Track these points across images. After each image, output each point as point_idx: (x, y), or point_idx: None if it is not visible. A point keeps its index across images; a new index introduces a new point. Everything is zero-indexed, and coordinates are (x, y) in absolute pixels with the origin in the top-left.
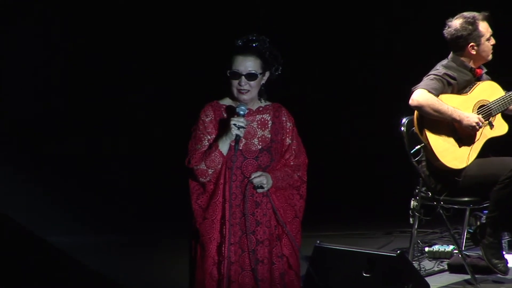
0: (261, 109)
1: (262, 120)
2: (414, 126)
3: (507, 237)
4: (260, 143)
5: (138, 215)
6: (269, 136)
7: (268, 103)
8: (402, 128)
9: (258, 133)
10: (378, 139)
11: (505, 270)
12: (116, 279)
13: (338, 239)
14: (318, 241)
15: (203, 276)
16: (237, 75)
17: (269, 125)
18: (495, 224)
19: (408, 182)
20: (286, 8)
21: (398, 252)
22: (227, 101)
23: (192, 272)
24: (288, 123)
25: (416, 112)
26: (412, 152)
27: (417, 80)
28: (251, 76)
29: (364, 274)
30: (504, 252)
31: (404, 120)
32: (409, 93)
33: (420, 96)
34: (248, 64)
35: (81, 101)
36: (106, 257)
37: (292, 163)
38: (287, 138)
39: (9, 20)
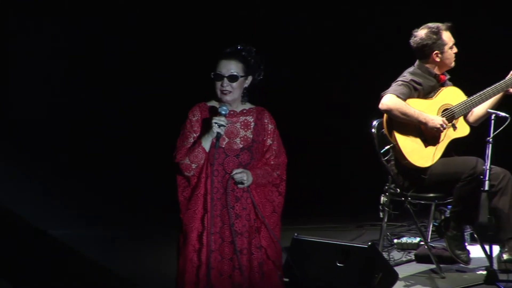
0: (244, 111)
1: (245, 121)
2: (383, 128)
3: (469, 230)
4: (242, 143)
5: (133, 209)
6: (251, 136)
7: (252, 106)
8: (373, 130)
9: (241, 133)
10: (351, 141)
11: (467, 260)
12: (112, 270)
13: (314, 232)
14: (296, 234)
15: (184, 262)
16: (220, 77)
17: (252, 127)
18: (458, 218)
19: (378, 180)
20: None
21: (370, 243)
22: (213, 103)
23: (178, 259)
24: (270, 125)
25: (385, 115)
26: (382, 152)
27: (386, 86)
28: (232, 78)
29: (338, 264)
30: (466, 244)
31: (375, 123)
32: (379, 98)
33: (389, 100)
34: (230, 66)
35: (80, 100)
36: (104, 249)
37: (272, 162)
38: (268, 139)
39: (11, 23)
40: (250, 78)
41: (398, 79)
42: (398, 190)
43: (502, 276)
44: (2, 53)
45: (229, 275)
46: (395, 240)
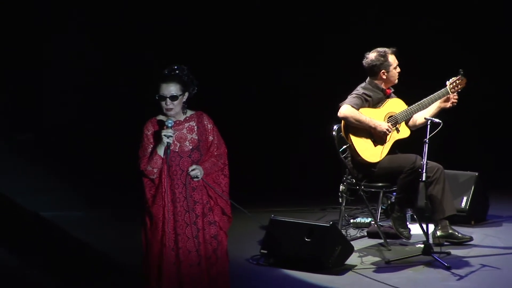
0: (187, 118)
1: (190, 126)
2: (341, 132)
3: (410, 212)
4: (191, 144)
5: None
6: (197, 137)
7: (192, 112)
8: (333, 133)
9: (188, 136)
10: (313, 142)
11: (409, 236)
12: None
13: (287, 213)
14: (272, 215)
15: (157, 245)
16: (163, 98)
17: (195, 129)
18: (401, 202)
19: (338, 172)
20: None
21: (331, 223)
22: (160, 117)
23: (146, 243)
24: (209, 125)
25: (343, 121)
26: (340, 150)
27: (343, 98)
28: (173, 98)
29: (306, 239)
30: (408, 223)
31: (335, 127)
32: (337, 108)
33: (346, 110)
34: (170, 88)
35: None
36: (98, 230)
37: (216, 153)
38: (210, 136)
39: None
40: (187, 94)
41: (352, 92)
42: (354, 180)
43: (436, 249)
44: (37, 58)
45: (196, 250)
46: (351, 220)
